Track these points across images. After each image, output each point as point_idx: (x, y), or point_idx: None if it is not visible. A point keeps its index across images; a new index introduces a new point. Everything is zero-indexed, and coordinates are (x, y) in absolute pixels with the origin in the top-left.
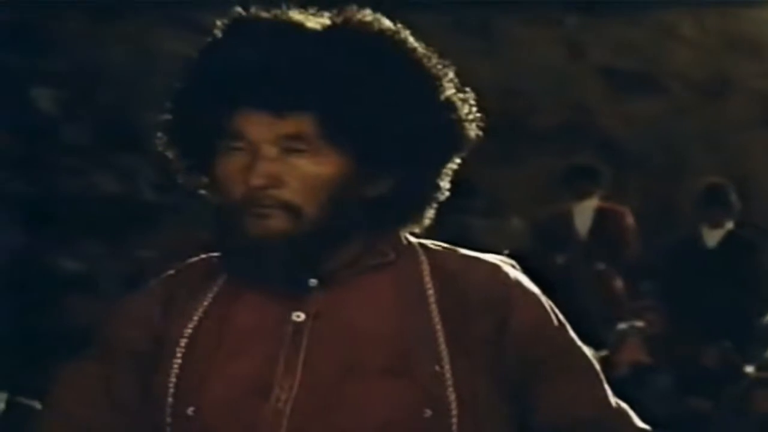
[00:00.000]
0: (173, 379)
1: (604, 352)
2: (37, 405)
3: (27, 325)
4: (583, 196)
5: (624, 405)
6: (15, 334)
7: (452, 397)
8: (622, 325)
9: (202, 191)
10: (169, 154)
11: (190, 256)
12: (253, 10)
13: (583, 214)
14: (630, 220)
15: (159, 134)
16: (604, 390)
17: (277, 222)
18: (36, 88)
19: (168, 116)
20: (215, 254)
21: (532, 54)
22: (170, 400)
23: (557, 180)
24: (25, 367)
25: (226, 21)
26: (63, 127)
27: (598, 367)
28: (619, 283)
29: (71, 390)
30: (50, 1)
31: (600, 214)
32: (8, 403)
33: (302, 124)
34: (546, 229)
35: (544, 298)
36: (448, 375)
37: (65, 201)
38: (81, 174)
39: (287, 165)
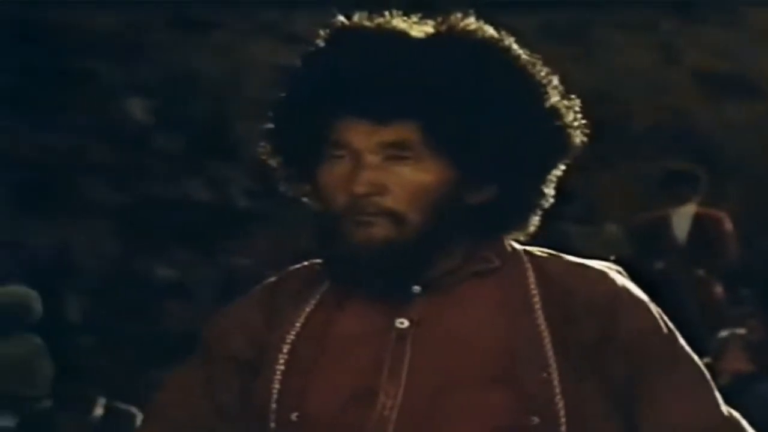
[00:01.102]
0: (276, 386)
1: (705, 360)
2: (134, 410)
3: (123, 332)
4: (681, 201)
5: (735, 414)
6: (111, 341)
7: (560, 404)
8: (723, 333)
9: (304, 199)
10: (272, 163)
11: (282, 263)
12: (356, 18)
13: (682, 219)
14: (728, 225)
15: (262, 143)
16: (715, 399)
17: (380, 229)
18: (130, 97)
19: (271, 125)
20: (317, 261)
21: (626, 58)
22: (274, 406)
23: (653, 185)
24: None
25: (329, 30)
26: (156, 135)
27: (708, 375)
28: (718, 290)
29: (175, 395)
30: (144, 12)
31: (698, 220)
32: (106, 408)
33: (405, 131)
34: (643, 235)
35: (652, 305)
36: (556, 382)
37: (158, 209)
38: (174, 182)
39: (390, 173)
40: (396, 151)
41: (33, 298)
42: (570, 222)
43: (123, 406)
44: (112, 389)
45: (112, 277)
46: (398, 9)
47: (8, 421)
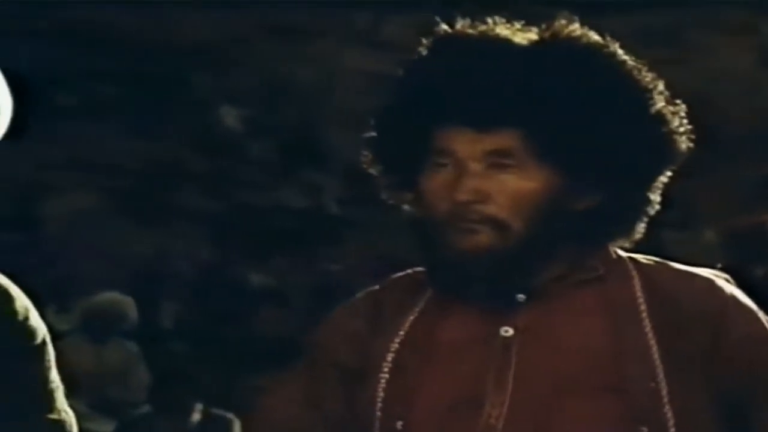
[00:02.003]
0: (381, 394)
1: None
2: (231, 416)
3: (218, 339)
4: None
5: None
6: (206, 348)
7: (669, 414)
8: None
9: (406, 207)
10: (374, 171)
11: (375, 269)
12: (458, 26)
13: None
14: None
15: (364, 151)
16: None
17: (484, 237)
18: (223, 106)
19: (373, 133)
20: (419, 269)
21: (724, 61)
22: (378, 414)
23: (751, 190)
24: (218, 379)
25: (431, 38)
26: (249, 143)
27: None
28: None
29: (278, 402)
30: (238, 21)
31: None
32: (204, 413)
33: (509, 139)
34: (743, 241)
35: (761, 314)
36: (664, 392)
37: (252, 216)
38: (267, 189)
39: (493, 180)
40: (499, 159)
41: (129, 305)
42: (667, 228)
43: (220, 411)
44: (208, 395)
45: (207, 284)
46: (471, 10)
47: (107, 426)
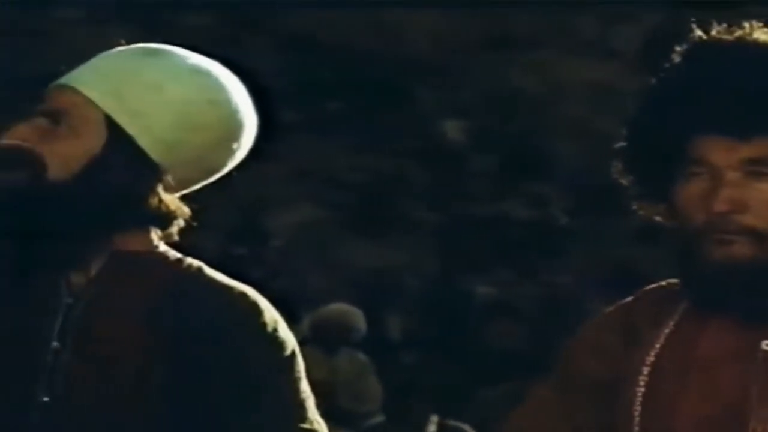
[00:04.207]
0: (638, 408)
1: None
2: (467, 428)
3: (446, 350)
4: None
5: None
6: (435, 359)
7: None
8: None
9: (657, 218)
10: (624, 181)
11: (603, 280)
12: (714, 32)
13: None
14: None
15: (614, 162)
16: None
17: (741, 248)
18: (446, 118)
19: (624, 144)
20: (673, 281)
21: None
22: (636, 429)
23: None
24: (450, 390)
25: (687, 45)
26: (472, 156)
27: None
28: None
29: (531, 416)
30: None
31: None
32: (439, 424)
33: (767, 147)
34: None
35: None
36: None
37: (477, 228)
38: (491, 201)
39: (751, 190)
40: (757, 168)
41: (358, 316)
42: None
43: (456, 423)
44: (441, 406)
45: (433, 295)
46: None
47: None
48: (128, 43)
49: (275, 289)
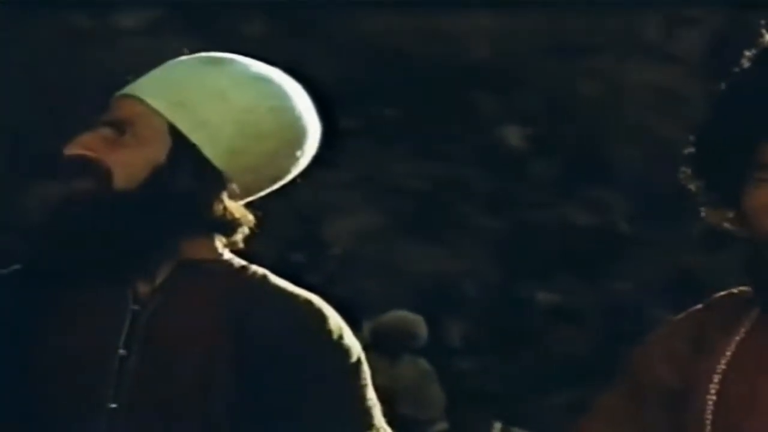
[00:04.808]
0: (709, 416)
1: None
2: None
3: (508, 357)
4: None
5: None
6: (496, 366)
7: None
8: None
9: (726, 225)
10: (692, 187)
11: (665, 287)
12: None
13: None
14: None
15: (682, 167)
16: None
17: None
18: (507, 125)
19: (693, 149)
20: (744, 288)
21: None
22: None
23: None
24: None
25: (757, 50)
26: (532, 161)
27: None
28: None
29: (600, 422)
30: (522, 41)
31: None
32: None
33: None
34: None
35: None
36: None
37: (537, 234)
38: (552, 207)
39: None
40: None
41: (419, 323)
42: None
43: (519, 430)
44: (502, 413)
45: (494, 302)
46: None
47: None
48: (191, 52)
49: (334, 296)
